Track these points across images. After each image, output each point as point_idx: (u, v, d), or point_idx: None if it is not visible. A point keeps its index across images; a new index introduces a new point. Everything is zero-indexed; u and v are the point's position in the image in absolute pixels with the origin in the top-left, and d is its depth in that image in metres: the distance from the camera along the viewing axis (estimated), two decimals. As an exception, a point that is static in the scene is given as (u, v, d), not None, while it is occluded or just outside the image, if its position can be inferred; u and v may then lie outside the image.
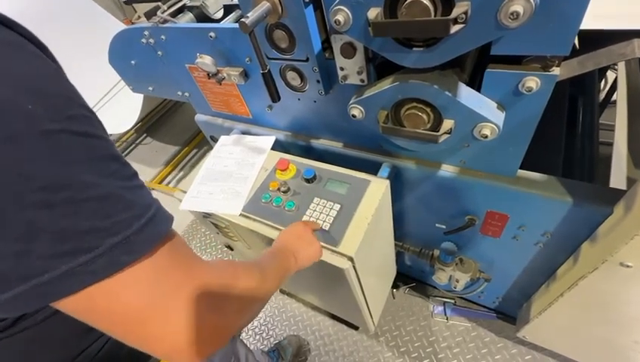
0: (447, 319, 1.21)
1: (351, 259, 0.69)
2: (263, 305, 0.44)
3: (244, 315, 0.38)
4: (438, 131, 0.59)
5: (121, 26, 0.98)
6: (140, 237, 0.28)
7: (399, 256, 1.17)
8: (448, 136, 0.60)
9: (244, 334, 1.36)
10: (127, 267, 0.27)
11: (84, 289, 0.26)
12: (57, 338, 0.43)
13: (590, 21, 0.45)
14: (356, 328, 1.27)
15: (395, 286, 1.31)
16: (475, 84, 0.61)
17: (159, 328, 0.29)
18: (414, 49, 0.50)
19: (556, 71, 0.49)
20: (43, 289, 0.25)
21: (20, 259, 0.24)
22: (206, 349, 0.32)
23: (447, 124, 0.58)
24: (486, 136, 0.56)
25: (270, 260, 0.51)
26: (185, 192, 0.92)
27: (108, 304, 0.27)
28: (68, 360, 0.45)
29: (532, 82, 0.50)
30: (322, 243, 0.71)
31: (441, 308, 1.24)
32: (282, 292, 1.43)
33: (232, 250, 1.18)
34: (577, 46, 0.56)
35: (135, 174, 0.31)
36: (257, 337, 1.34)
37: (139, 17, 0.99)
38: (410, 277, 1.31)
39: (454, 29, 0.43)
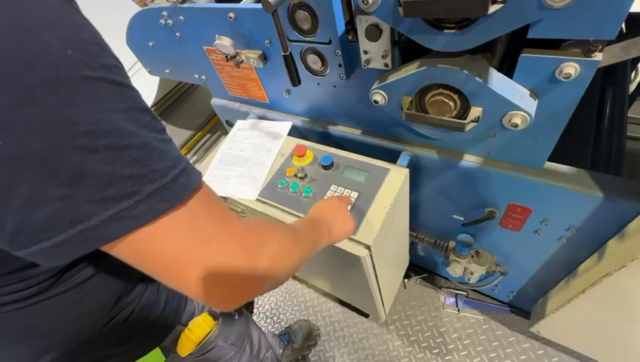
0: (458, 311, 1.20)
1: (368, 248, 0.68)
2: (293, 268, 0.41)
3: (278, 267, 0.37)
4: (464, 119, 0.57)
5: (136, 9, 0.96)
6: (175, 186, 0.29)
7: (412, 246, 1.17)
8: (475, 124, 0.58)
9: (255, 317, 1.38)
10: (165, 214, 0.28)
11: (128, 235, 0.27)
12: (90, 304, 0.44)
13: (641, 2, 0.42)
14: (366, 316, 1.27)
15: (406, 276, 1.30)
16: (504, 69, 0.59)
17: (196, 272, 0.30)
18: (445, 31, 0.48)
19: (598, 57, 0.46)
20: (89, 234, 0.25)
21: (67, 204, 0.24)
22: (240, 296, 0.34)
23: (475, 111, 0.56)
24: (516, 126, 0.54)
25: (305, 227, 0.50)
26: (201, 176, 0.92)
27: (150, 248, 0.29)
28: (98, 328, 0.46)
29: (571, 68, 0.48)
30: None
31: (452, 300, 1.23)
32: (293, 277, 1.45)
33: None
34: (624, 29, 0.52)
35: (164, 129, 0.31)
36: (268, 321, 1.37)
37: (152, 0, 0.98)
38: (423, 268, 1.31)
39: (492, 8, 0.41)
